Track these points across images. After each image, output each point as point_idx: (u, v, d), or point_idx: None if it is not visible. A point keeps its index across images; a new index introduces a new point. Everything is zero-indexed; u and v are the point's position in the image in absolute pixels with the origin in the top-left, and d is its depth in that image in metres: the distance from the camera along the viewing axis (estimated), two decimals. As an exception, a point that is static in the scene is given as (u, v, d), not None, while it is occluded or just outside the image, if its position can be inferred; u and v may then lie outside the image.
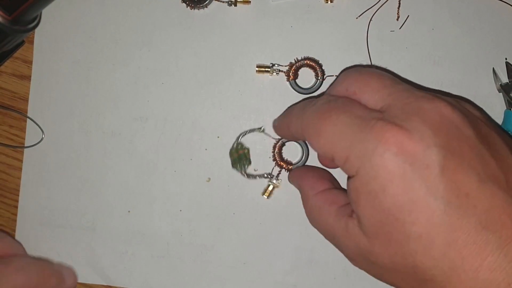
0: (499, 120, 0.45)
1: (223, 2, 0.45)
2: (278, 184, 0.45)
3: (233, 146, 0.45)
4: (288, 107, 0.45)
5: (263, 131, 0.45)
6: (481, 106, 0.45)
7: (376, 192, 0.30)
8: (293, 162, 0.45)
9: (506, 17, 0.45)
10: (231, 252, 0.46)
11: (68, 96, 0.46)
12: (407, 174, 0.29)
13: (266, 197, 0.45)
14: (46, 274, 0.43)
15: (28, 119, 0.46)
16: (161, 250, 0.46)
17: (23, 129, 0.46)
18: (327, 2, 0.45)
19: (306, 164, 0.45)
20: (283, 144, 0.45)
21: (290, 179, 0.44)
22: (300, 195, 0.40)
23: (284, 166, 0.45)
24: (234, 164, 0.45)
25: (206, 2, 0.45)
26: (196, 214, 0.46)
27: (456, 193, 0.29)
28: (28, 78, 0.46)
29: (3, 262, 0.42)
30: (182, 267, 0.46)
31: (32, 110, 0.46)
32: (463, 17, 0.45)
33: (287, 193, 0.45)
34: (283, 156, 0.45)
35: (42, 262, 0.45)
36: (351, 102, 0.34)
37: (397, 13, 0.45)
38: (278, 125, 0.43)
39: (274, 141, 0.45)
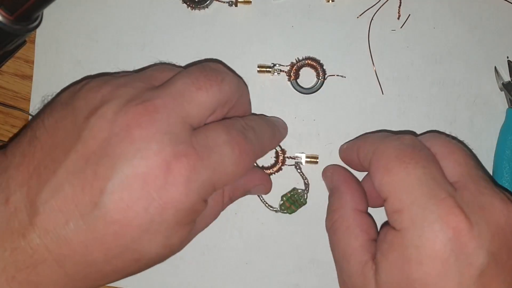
0: (501, 119, 0.45)
1: (224, 2, 0.45)
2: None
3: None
4: (364, 134, 0.45)
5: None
6: (483, 105, 0.45)
7: (411, 260, 0.30)
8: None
9: (508, 15, 0.45)
10: (233, 252, 0.46)
11: (70, 97, 0.46)
12: (448, 261, 0.30)
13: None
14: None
15: (30, 119, 0.46)
16: (163, 250, 0.46)
17: (25, 129, 0.46)
18: (328, 2, 0.45)
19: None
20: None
21: (330, 173, 0.43)
22: (328, 192, 0.41)
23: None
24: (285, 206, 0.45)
25: (207, 3, 0.45)
26: (198, 214, 0.46)
27: None
28: (30, 78, 0.46)
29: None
30: (184, 267, 0.46)
31: (34, 110, 0.46)
32: (464, 15, 0.45)
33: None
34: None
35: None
36: (433, 160, 0.34)
37: (398, 12, 0.45)
38: (347, 147, 0.42)
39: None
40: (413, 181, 0.32)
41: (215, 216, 0.39)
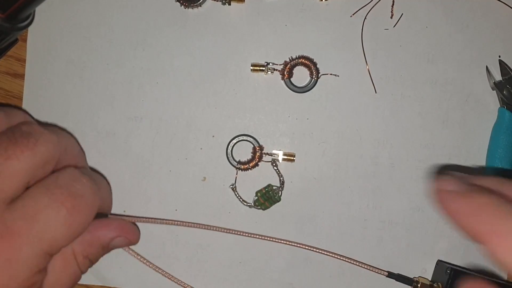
0: (493, 118, 0.45)
1: (217, 0, 0.45)
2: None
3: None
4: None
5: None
6: (475, 104, 0.45)
7: None
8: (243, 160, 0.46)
9: (499, 15, 0.45)
10: (227, 251, 0.46)
11: (62, 96, 0.46)
12: None
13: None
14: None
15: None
16: (157, 249, 0.46)
17: (16, 129, 0.46)
18: (321, 0, 0.45)
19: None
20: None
21: None
22: None
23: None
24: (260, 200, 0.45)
25: (200, 1, 0.45)
26: (191, 213, 0.46)
27: None
28: (21, 76, 0.46)
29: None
30: (177, 267, 0.46)
31: (26, 109, 0.46)
32: (456, 15, 0.45)
33: (284, 192, 0.45)
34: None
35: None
36: None
37: (391, 11, 0.45)
38: (462, 201, 0.28)
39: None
40: None
41: (74, 277, 0.36)
